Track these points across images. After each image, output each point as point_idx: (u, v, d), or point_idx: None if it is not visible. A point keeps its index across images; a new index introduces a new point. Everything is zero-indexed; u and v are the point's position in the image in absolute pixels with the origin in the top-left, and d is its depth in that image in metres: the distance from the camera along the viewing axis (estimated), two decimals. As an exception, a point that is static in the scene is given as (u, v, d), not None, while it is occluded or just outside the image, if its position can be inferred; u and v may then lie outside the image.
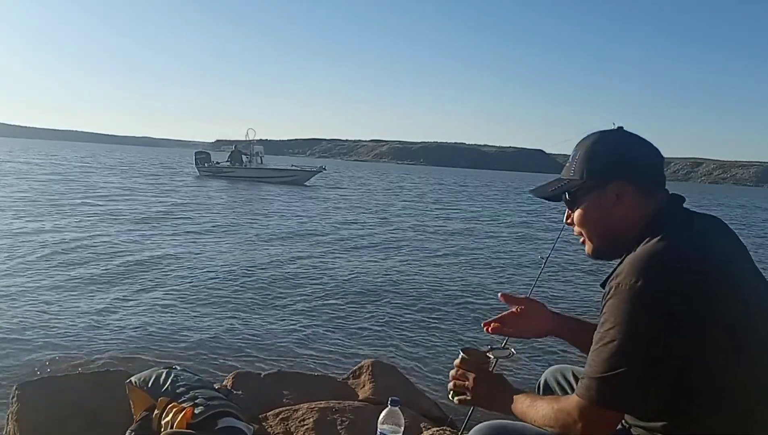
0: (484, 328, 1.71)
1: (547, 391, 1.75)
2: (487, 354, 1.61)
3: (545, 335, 1.72)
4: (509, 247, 14.89)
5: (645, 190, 1.39)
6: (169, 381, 2.49)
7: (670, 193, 1.42)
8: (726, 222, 1.41)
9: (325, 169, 40.25)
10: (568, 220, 1.51)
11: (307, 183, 37.98)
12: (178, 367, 2.67)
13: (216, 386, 2.99)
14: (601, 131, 1.46)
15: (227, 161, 40.05)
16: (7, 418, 2.60)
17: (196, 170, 40.12)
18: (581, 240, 1.50)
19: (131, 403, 2.54)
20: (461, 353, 1.59)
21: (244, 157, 39.84)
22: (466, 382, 1.55)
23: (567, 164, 1.48)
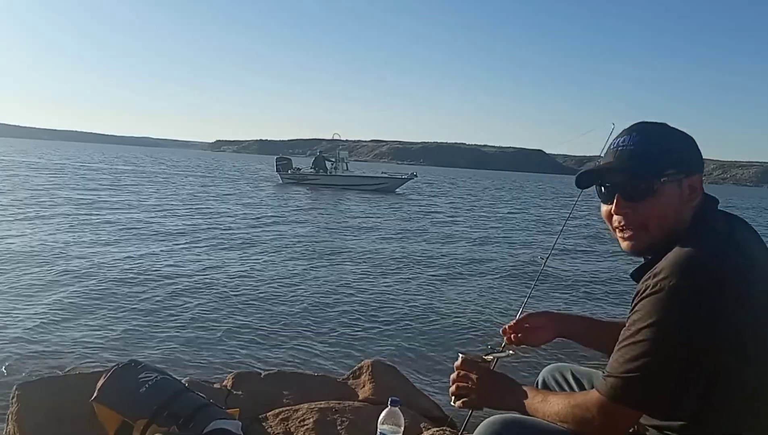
0: (503, 334, 1.71)
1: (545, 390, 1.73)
2: (485, 357, 1.59)
3: (552, 340, 1.71)
4: (516, 247, 14.89)
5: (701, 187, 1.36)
6: (140, 393, 2.32)
7: (705, 193, 1.37)
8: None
9: (416, 175, 37.92)
10: (619, 210, 1.34)
11: (397, 190, 36.04)
12: (140, 364, 2.51)
13: (216, 386, 2.98)
14: (659, 123, 1.37)
15: (311, 168, 37.34)
16: (7, 418, 2.59)
17: (278, 177, 37.89)
18: (619, 235, 1.37)
19: (101, 422, 2.36)
20: (460, 355, 1.56)
21: (328, 163, 37.37)
22: (469, 383, 1.52)
23: (628, 151, 1.32)
